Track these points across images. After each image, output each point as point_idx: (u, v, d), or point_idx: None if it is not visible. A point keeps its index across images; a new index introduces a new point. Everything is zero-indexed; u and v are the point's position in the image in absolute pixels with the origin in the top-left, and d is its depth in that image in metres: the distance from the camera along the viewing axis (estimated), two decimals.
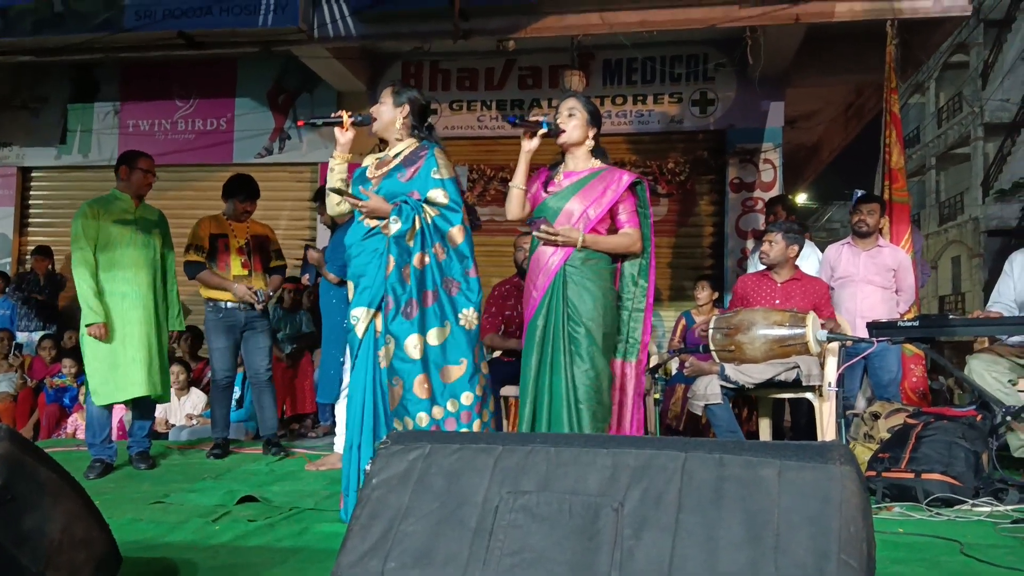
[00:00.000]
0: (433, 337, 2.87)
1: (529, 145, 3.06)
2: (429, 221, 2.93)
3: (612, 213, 3.07)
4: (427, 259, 2.91)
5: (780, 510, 1.32)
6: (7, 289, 7.49)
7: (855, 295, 4.64)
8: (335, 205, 3.14)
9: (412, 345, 2.83)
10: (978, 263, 18.43)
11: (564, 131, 3.08)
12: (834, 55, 6.91)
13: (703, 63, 7.22)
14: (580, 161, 3.13)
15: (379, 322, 2.92)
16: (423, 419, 2.83)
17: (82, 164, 8.31)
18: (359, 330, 2.93)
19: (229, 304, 4.52)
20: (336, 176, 3.09)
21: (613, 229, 3.09)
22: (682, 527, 1.35)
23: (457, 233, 2.95)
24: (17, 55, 6.97)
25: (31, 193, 8.57)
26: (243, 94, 7.99)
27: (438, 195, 2.96)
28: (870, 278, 4.65)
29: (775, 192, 6.99)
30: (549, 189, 3.13)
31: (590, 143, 3.13)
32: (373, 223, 2.96)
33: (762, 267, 4.31)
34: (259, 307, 4.54)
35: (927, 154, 21.98)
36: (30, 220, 8.54)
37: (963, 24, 9.60)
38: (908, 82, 15.37)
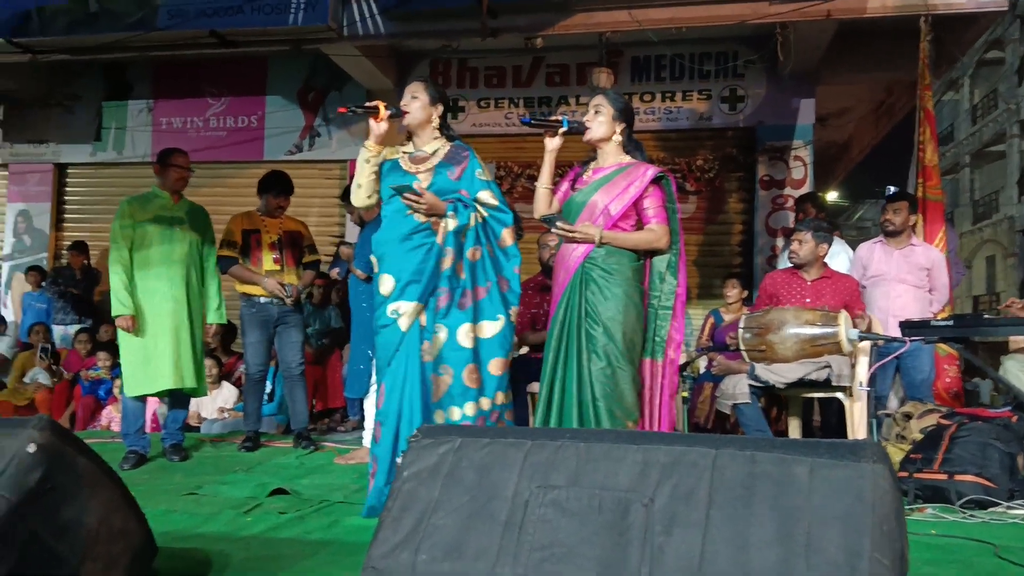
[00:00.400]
0: (485, 329, 2.96)
1: (552, 144, 3.06)
2: (481, 220, 3.03)
3: (637, 208, 3.02)
4: (479, 254, 3.01)
5: (812, 508, 1.32)
6: (43, 283, 7.64)
7: (888, 294, 4.58)
8: (365, 198, 3.09)
9: (464, 334, 2.92)
10: (1013, 263, 18.10)
11: (589, 128, 3.07)
12: (866, 52, 6.81)
13: (733, 60, 7.16)
14: (609, 157, 3.10)
15: (423, 317, 2.96)
16: (470, 409, 2.90)
17: (116, 161, 8.44)
18: (403, 324, 2.94)
19: (263, 299, 4.58)
20: (371, 169, 3.05)
21: (641, 225, 3.05)
22: (712, 524, 1.34)
23: (509, 234, 3.07)
24: (52, 54, 7.09)
25: (67, 189, 8.72)
26: (274, 92, 8.07)
27: (487, 196, 3.06)
28: (903, 277, 4.59)
29: (806, 190, 6.91)
30: (576, 186, 3.13)
31: (618, 138, 3.09)
32: (423, 219, 2.98)
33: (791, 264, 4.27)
34: (288, 301, 4.59)
35: (961, 152, 21.61)
36: (66, 216, 8.70)
37: (999, 20, 9.42)
38: (942, 79, 15.12)
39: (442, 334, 2.92)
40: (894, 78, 7.28)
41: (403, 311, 2.95)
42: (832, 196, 15.05)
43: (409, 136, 3.17)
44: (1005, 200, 19.09)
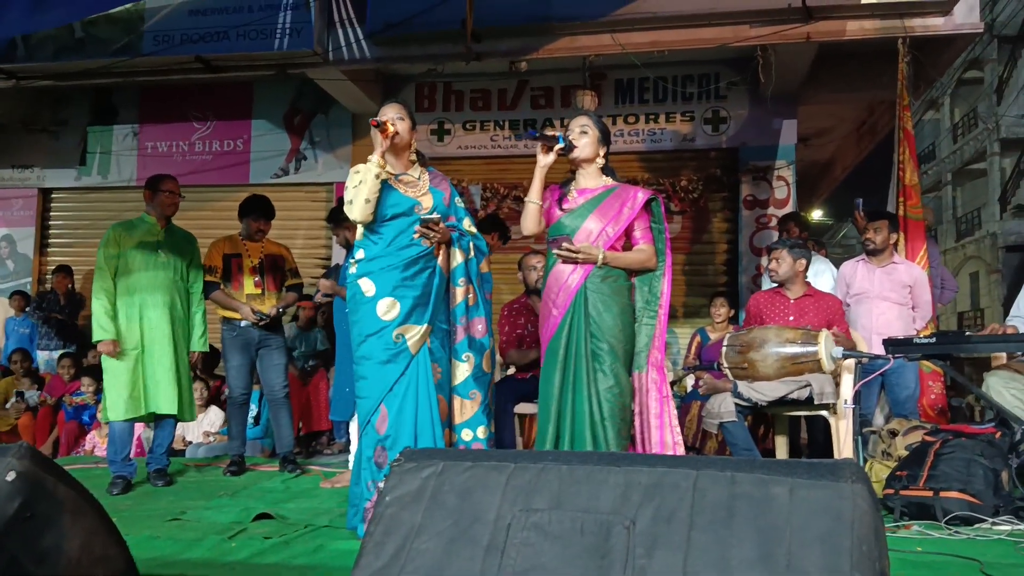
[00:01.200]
0: (490, 352, 3.18)
1: (545, 160, 3.08)
2: (474, 248, 3.17)
3: (627, 230, 3.10)
4: (481, 281, 3.18)
5: (792, 528, 1.32)
6: (27, 308, 7.58)
7: (871, 311, 4.62)
8: (370, 213, 3.00)
9: (487, 359, 3.13)
10: (996, 279, 18.26)
11: (576, 147, 3.10)
12: (846, 73, 6.91)
13: (715, 82, 7.24)
14: (591, 179, 3.15)
15: (429, 340, 3.04)
16: (482, 432, 3.09)
17: (101, 185, 8.42)
18: (414, 347, 2.98)
19: (243, 322, 4.57)
20: (379, 184, 2.97)
21: (628, 245, 3.12)
22: (694, 545, 1.35)
23: (486, 263, 3.22)
24: (39, 80, 7.10)
25: (51, 214, 8.68)
26: (259, 116, 8.08)
27: (468, 224, 3.19)
28: (885, 294, 4.63)
29: (789, 209, 6.98)
30: (564, 207, 3.15)
31: (601, 160, 3.16)
32: (427, 243, 3.03)
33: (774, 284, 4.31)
34: (260, 323, 4.56)
35: (943, 170, 21.86)
36: (50, 241, 8.66)
37: (976, 41, 9.59)
38: (921, 99, 15.30)
39: (468, 363, 3.07)
40: (875, 98, 7.40)
41: (411, 334, 2.98)
42: (816, 215, 15.18)
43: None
44: (987, 217, 19.29)
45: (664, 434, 3.04)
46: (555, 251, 3.06)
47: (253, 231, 4.70)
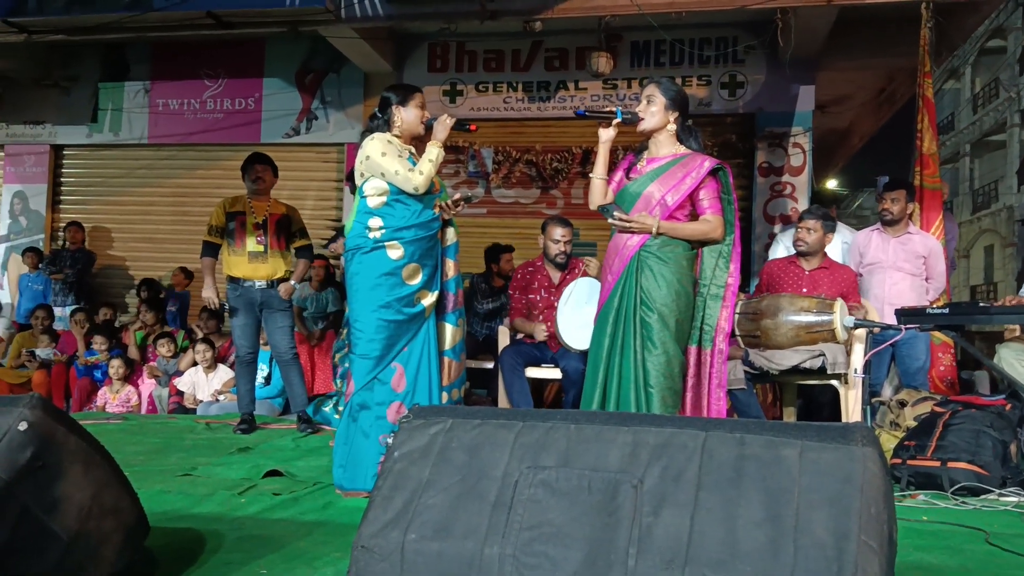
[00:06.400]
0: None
1: (606, 135, 3.05)
2: None
3: (693, 199, 2.99)
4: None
5: (800, 490, 1.32)
6: (40, 265, 7.62)
7: (884, 281, 4.58)
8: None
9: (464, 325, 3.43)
10: (1011, 252, 18.10)
11: (643, 119, 3.02)
12: (866, 38, 6.77)
13: (732, 45, 7.11)
14: (663, 147, 3.06)
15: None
16: (456, 393, 3.34)
17: (113, 142, 8.40)
18: (428, 311, 3.22)
19: (246, 281, 4.57)
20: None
21: (695, 215, 3.02)
22: (701, 505, 1.35)
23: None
24: (49, 34, 7.04)
25: (63, 171, 8.68)
26: (271, 74, 8.01)
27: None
28: (899, 265, 4.59)
29: (805, 177, 6.90)
30: (631, 175, 3.09)
31: (672, 127, 3.04)
32: (445, 218, 3.31)
33: (783, 254, 4.27)
34: (284, 296, 4.65)
35: (961, 141, 21.57)
36: (62, 197, 8.67)
37: (1000, 7, 9.37)
38: (943, 67, 15.04)
39: (461, 328, 3.34)
40: (895, 65, 7.24)
41: (426, 299, 3.20)
42: (832, 184, 15.01)
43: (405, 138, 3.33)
44: (1004, 190, 19.07)
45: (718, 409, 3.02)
46: (609, 220, 3.02)
47: (251, 190, 4.68)
